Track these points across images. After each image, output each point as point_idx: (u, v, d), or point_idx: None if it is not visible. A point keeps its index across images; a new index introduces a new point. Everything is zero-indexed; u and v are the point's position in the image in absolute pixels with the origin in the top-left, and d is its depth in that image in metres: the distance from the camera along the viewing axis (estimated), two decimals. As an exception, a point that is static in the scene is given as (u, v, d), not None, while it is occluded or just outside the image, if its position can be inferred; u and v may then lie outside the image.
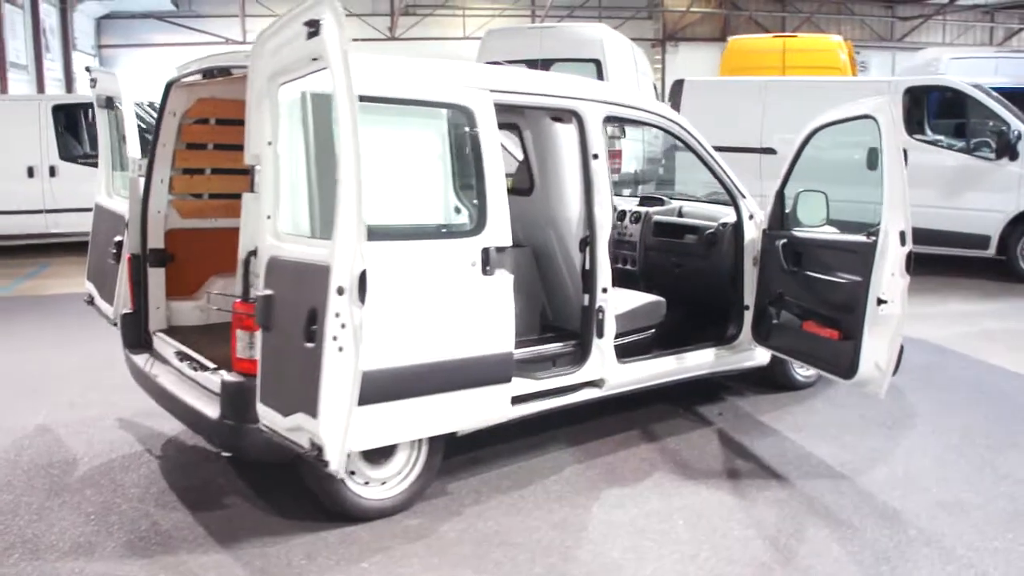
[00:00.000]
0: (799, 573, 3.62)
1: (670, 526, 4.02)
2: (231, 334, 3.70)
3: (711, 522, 4.06)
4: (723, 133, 10.74)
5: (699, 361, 5.32)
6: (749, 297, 5.35)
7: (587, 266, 4.68)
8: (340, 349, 3.12)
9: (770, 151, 10.53)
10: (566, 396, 4.68)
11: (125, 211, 4.89)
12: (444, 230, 4.17)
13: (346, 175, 3.13)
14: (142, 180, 4.83)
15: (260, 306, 3.43)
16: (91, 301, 5.50)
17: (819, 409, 5.64)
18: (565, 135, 4.99)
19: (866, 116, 4.46)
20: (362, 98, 3.80)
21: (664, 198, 6.62)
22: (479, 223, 4.06)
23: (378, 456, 4.04)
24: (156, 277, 4.87)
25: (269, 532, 3.92)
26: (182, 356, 4.47)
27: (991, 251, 10.20)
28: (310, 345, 3.17)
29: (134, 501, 4.25)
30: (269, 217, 3.56)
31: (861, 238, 4.55)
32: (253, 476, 4.47)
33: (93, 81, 5.46)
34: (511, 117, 5.13)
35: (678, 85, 11.66)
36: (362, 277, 3.13)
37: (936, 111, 11.07)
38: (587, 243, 4.68)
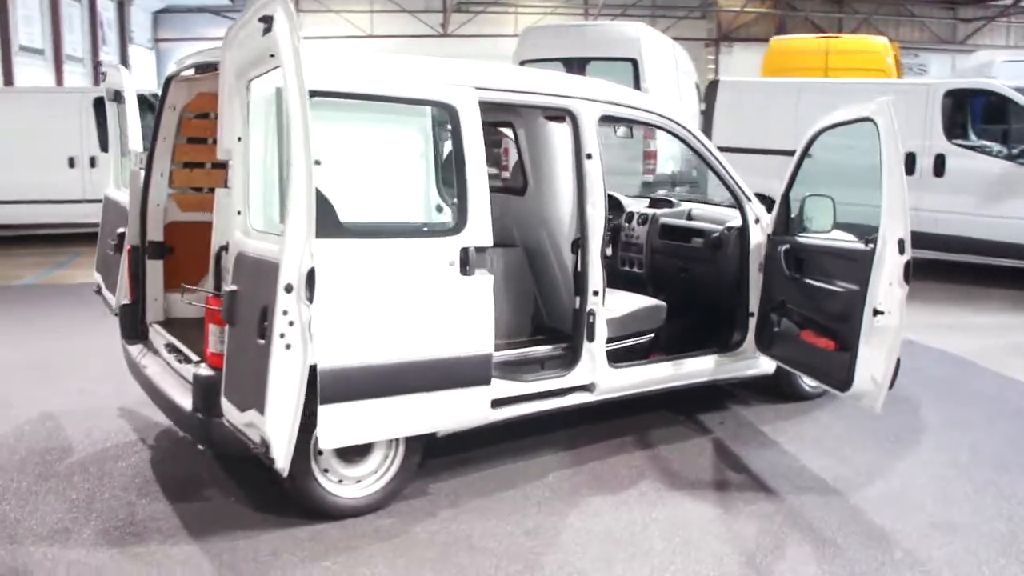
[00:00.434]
0: (770, 591, 3.50)
1: (644, 537, 3.92)
2: (204, 328, 3.73)
3: (688, 535, 3.94)
4: (755, 134, 10.60)
5: (699, 368, 5.19)
6: (754, 303, 5.20)
7: (578, 268, 4.61)
8: (288, 347, 3.10)
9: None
10: (554, 400, 4.61)
11: None
12: (424, 228, 4.14)
13: (296, 173, 3.11)
14: (142, 173, 4.89)
15: (225, 302, 3.44)
16: (99, 291, 5.60)
17: (823, 421, 5.46)
18: (559, 134, 4.91)
19: (865, 119, 4.30)
20: (342, 95, 3.81)
21: (674, 200, 6.49)
22: (459, 222, 4.00)
23: (353, 454, 4.01)
24: (154, 269, 4.94)
25: (242, 526, 3.93)
26: (171, 348, 4.52)
27: None
28: (262, 342, 3.16)
29: (117, 490, 4.30)
30: (239, 213, 3.57)
31: (860, 245, 4.40)
32: (237, 470, 4.47)
33: (103, 75, 5.55)
34: (506, 116, 5.07)
35: (713, 85, 11.53)
36: (310, 275, 3.11)
37: (982, 116, 10.69)
38: (579, 245, 4.61)
